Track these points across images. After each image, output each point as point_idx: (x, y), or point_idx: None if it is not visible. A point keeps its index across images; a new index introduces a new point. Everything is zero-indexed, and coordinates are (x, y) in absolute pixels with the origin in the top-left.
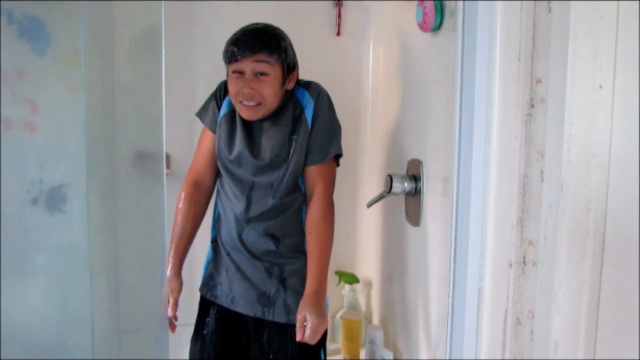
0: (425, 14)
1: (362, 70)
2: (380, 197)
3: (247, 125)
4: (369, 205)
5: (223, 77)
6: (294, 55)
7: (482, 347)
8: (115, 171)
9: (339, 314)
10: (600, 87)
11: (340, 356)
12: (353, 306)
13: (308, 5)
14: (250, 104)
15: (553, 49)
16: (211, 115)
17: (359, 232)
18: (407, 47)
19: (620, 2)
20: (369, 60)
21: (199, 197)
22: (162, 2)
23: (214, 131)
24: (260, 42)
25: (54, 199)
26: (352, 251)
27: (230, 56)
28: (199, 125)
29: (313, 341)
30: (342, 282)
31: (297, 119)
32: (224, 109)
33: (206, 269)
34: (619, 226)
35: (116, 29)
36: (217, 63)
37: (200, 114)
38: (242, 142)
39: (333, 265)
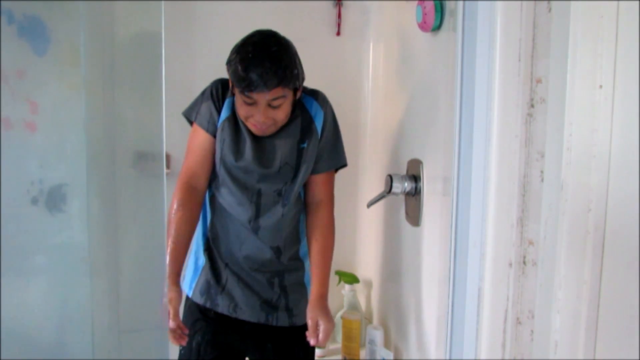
0: (425, 14)
1: (362, 70)
2: (380, 197)
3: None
4: (369, 205)
5: (223, 76)
6: (302, 68)
7: (482, 347)
8: (115, 171)
9: (339, 314)
10: (600, 87)
11: (340, 356)
12: (353, 306)
13: (308, 5)
14: (263, 126)
15: (553, 49)
16: (207, 116)
17: (359, 232)
18: (407, 47)
19: (620, 2)
20: (369, 60)
21: (195, 202)
22: (162, 2)
23: (211, 133)
24: (276, 76)
25: (54, 199)
26: (352, 251)
27: (242, 86)
28: None
29: (324, 344)
30: (342, 282)
31: (307, 128)
32: (225, 112)
33: (198, 275)
34: (619, 226)
35: (116, 29)
36: (217, 63)
37: (191, 113)
38: (250, 149)
39: (333, 265)
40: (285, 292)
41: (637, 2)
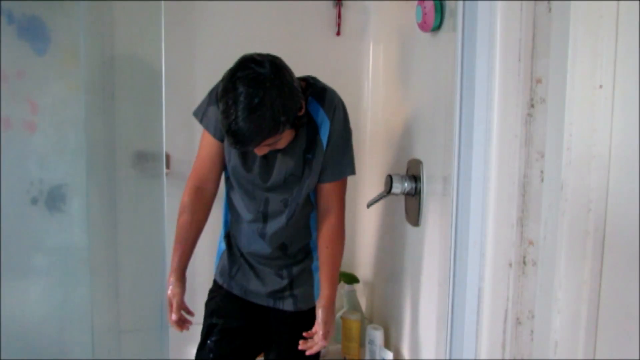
0: (425, 14)
1: (362, 70)
2: (380, 197)
3: None
4: (369, 205)
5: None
6: (295, 99)
7: (482, 347)
8: (115, 171)
9: (339, 314)
10: (600, 87)
11: (340, 356)
12: (353, 306)
13: (308, 5)
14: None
15: (553, 49)
16: (213, 121)
17: (359, 232)
18: (407, 47)
19: (620, 2)
20: (369, 60)
21: (201, 205)
22: (162, 2)
23: (219, 138)
24: (259, 135)
25: (54, 199)
26: (352, 251)
27: (229, 142)
28: (199, 125)
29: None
30: (342, 282)
31: (312, 138)
32: None
33: (220, 258)
34: (619, 226)
35: (116, 29)
36: (218, 62)
37: (199, 115)
38: (258, 161)
39: None
40: (292, 281)
41: (637, 2)
